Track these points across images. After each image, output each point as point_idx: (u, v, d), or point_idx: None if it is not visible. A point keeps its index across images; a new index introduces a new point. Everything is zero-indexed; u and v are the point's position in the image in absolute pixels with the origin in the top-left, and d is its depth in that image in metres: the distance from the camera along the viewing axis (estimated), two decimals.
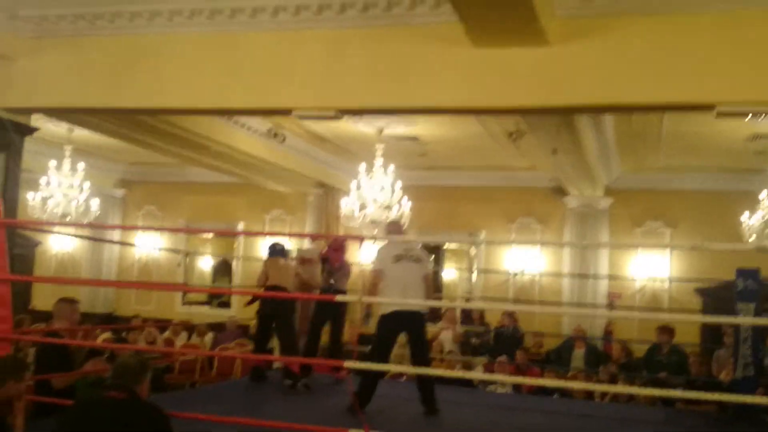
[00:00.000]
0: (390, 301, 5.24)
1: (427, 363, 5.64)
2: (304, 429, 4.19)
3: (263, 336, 6.77)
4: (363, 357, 6.46)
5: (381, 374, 5.50)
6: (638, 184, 10.76)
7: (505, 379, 6.92)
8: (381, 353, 5.37)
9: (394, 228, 6.14)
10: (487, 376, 7.37)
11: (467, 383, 7.27)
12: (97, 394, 3.95)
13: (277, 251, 6.80)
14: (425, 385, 5.34)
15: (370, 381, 5.26)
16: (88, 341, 7.00)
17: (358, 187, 9.21)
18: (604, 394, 7.36)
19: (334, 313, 6.75)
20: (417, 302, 5.34)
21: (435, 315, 10.80)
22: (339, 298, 4.79)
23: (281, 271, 6.60)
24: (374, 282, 5.38)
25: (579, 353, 9.05)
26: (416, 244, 5.91)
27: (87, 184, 10.45)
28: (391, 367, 5.84)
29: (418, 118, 8.58)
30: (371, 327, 5.68)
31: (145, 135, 8.55)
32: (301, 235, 10.42)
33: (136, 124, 8.01)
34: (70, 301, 5.38)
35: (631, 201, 10.84)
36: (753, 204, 8.56)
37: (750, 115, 5.04)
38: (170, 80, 6.09)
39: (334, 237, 7.15)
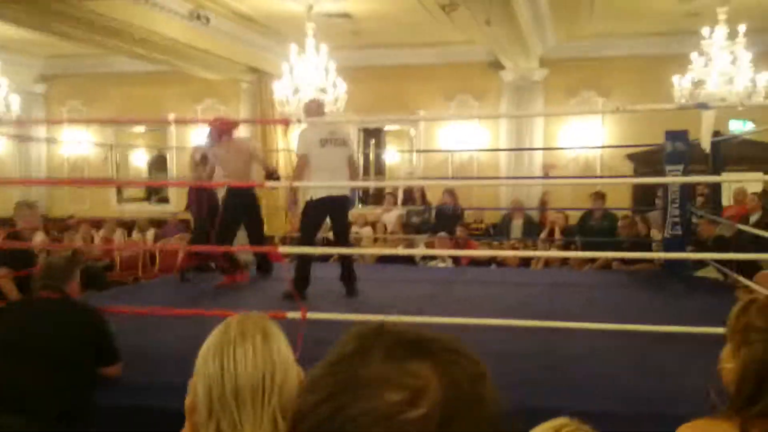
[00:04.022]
0: (319, 185, 5.24)
1: (349, 244, 5.91)
2: None
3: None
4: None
5: (311, 258, 5.59)
6: (572, 54, 10.69)
7: (441, 252, 7.08)
8: (310, 237, 5.53)
9: (314, 108, 5.71)
10: (425, 251, 7.52)
11: (410, 261, 7.42)
12: (28, 296, 3.91)
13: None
14: (348, 266, 5.51)
15: (304, 266, 5.37)
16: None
17: (291, 71, 8.93)
18: (538, 261, 7.63)
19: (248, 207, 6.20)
20: (344, 184, 5.41)
21: (378, 197, 10.89)
22: (268, 184, 4.73)
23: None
24: (300, 168, 5.30)
25: (517, 224, 9.30)
26: (341, 126, 5.83)
27: (4, 81, 9.89)
28: (328, 250, 5.93)
29: None
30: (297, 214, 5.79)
31: (59, 23, 8.02)
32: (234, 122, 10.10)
33: (49, 12, 7.52)
34: (29, 205, 5.81)
35: (565, 71, 10.81)
36: (685, 67, 8.63)
37: None
38: None
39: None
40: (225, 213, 5.91)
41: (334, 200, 5.30)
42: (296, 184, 5.17)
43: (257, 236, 6.27)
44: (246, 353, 1.39)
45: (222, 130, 6.05)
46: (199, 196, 6.37)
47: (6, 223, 7.57)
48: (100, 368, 3.31)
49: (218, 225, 5.86)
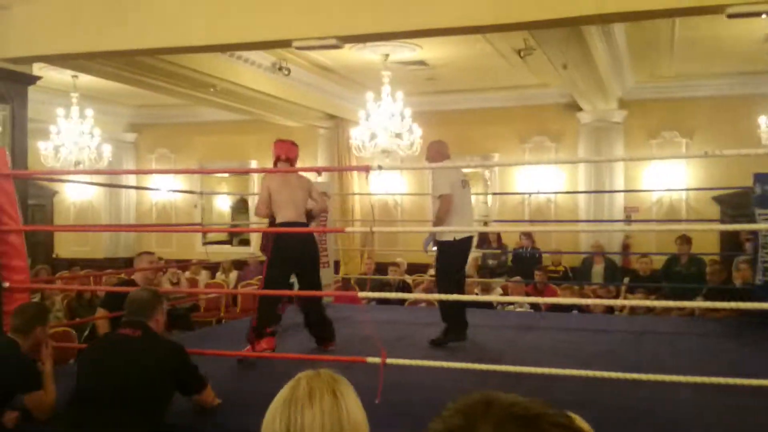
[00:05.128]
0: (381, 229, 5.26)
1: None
2: (325, 360, 4.27)
3: None
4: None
5: (465, 303, 5.39)
6: (652, 94, 10.49)
7: (518, 299, 6.96)
8: (452, 280, 5.21)
9: (444, 151, 5.49)
10: (502, 298, 7.42)
11: (486, 305, 7.34)
12: (113, 333, 4.09)
13: None
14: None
15: (459, 311, 5.22)
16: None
17: (368, 117, 9.12)
18: (622, 308, 7.41)
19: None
20: (474, 228, 5.45)
21: None
22: (349, 229, 4.80)
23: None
24: (447, 207, 5.14)
25: (598, 269, 9.08)
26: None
27: (97, 131, 10.46)
28: (402, 296, 5.89)
29: (423, 41, 8.38)
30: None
31: (148, 76, 8.47)
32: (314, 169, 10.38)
33: (138, 66, 7.93)
34: (147, 253, 6.30)
35: (645, 112, 10.59)
36: None
37: (763, 14, 4.85)
38: (164, 18, 5.97)
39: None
40: (272, 265, 4.99)
41: (471, 241, 5.40)
42: (377, 229, 5.23)
43: (311, 289, 5.18)
44: (314, 415, 1.37)
45: (280, 153, 5.43)
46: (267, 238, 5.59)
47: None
48: (192, 397, 3.46)
49: (264, 279, 5.07)
